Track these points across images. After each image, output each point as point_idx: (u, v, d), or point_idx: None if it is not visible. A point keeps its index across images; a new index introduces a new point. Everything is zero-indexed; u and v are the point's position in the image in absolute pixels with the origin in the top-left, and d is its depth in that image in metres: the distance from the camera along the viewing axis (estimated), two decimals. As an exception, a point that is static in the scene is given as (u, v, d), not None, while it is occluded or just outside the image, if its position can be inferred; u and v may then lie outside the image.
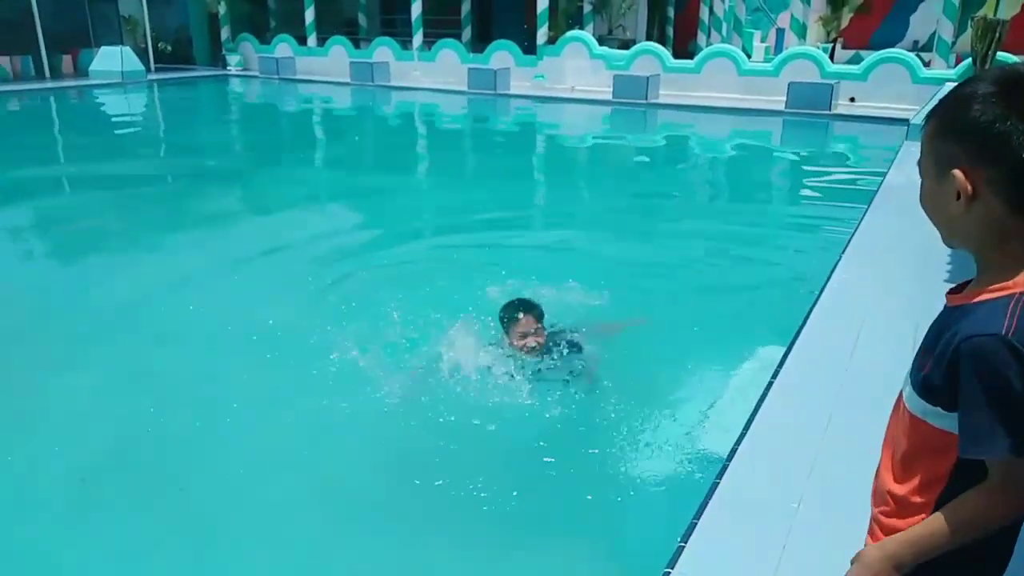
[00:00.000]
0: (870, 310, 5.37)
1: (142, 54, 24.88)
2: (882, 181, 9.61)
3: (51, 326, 5.78)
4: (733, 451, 3.51)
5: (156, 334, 5.58)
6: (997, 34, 14.42)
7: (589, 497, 3.68)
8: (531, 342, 4.42)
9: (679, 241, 8.81)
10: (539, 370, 4.48)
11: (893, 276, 6.19)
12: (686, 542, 2.91)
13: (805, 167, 13.60)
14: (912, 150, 12.02)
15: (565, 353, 4.54)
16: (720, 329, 5.71)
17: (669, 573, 2.74)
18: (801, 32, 20.70)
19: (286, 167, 13.32)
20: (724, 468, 3.37)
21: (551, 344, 4.55)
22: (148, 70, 24.51)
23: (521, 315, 4.45)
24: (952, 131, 1.32)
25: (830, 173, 12.90)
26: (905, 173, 10.08)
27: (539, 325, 4.50)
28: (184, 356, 5.25)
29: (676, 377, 4.88)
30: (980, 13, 16.15)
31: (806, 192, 11.84)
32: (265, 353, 5.03)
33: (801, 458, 3.46)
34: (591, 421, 4.31)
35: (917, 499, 1.42)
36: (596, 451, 4.05)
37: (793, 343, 4.73)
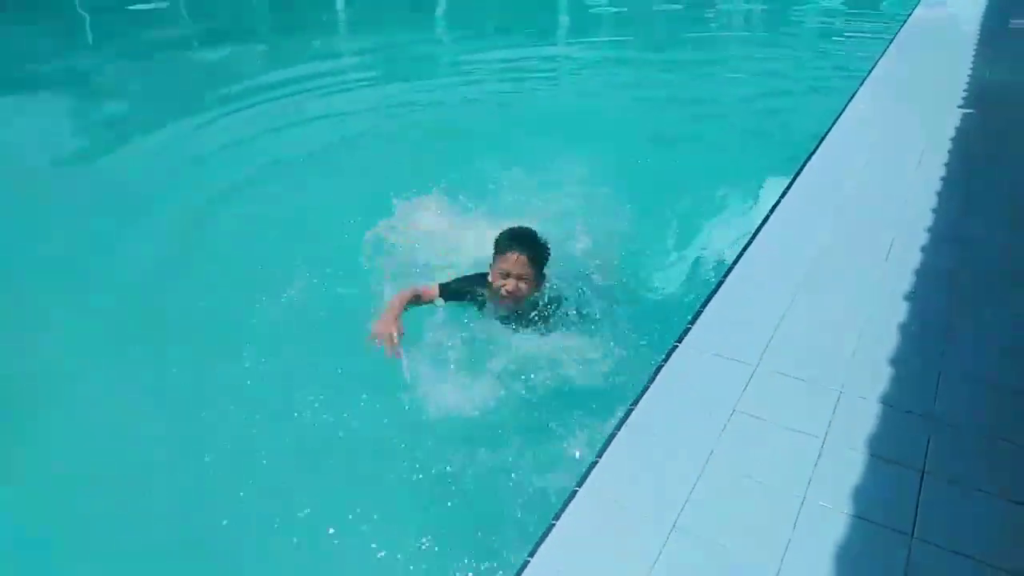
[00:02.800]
0: (878, 143, 5.44)
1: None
2: (909, 15, 9.33)
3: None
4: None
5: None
6: None
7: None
8: (509, 286, 3.25)
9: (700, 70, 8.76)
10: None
11: (904, 113, 6.19)
12: (693, 324, 3.22)
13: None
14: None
15: (547, 324, 3.42)
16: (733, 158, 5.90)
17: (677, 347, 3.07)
18: None
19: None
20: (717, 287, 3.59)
21: (538, 305, 3.42)
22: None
23: (515, 250, 3.25)
24: None
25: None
26: (932, 8, 9.81)
27: (530, 271, 3.28)
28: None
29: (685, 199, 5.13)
30: None
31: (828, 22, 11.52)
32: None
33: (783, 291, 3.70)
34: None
35: None
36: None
37: (798, 173, 4.85)
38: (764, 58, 9.72)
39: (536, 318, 3.40)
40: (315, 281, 4.03)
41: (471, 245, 4.19)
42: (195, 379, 3.45)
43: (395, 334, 3.08)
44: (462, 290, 3.47)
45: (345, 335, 3.44)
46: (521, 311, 3.39)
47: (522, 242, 3.29)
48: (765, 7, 13.62)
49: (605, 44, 10.96)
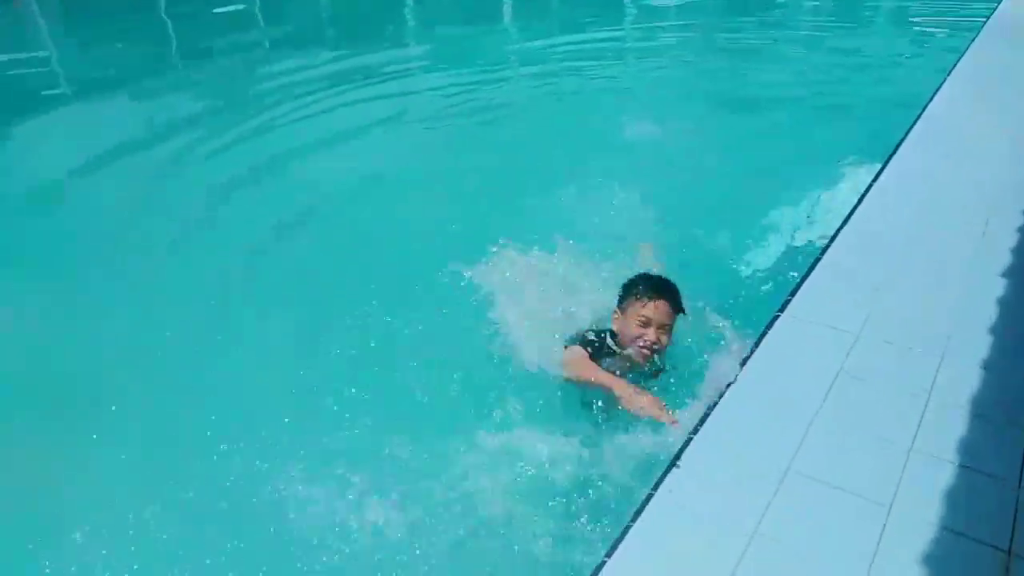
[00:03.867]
0: (967, 135, 5.45)
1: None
2: (996, 7, 9.18)
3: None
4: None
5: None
6: None
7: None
8: (651, 336, 3.00)
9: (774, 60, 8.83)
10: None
11: (994, 104, 6.16)
12: (792, 296, 3.39)
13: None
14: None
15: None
16: (816, 149, 6.00)
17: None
18: None
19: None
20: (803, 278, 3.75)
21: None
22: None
23: (661, 298, 3.03)
24: None
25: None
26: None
27: (673, 322, 3.08)
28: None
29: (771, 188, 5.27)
30: None
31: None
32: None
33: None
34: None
35: None
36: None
37: (885, 165, 4.92)
38: (850, 45, 9.68)
39: (658, 369, 3.14)
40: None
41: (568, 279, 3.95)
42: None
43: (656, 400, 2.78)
44: (598, 347, 3.11)
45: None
46: (650, 364, 3.10)
47: (666, 290, 3.06)
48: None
49: (672, 29, 11.07)
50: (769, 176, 5.61)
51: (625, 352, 3.09)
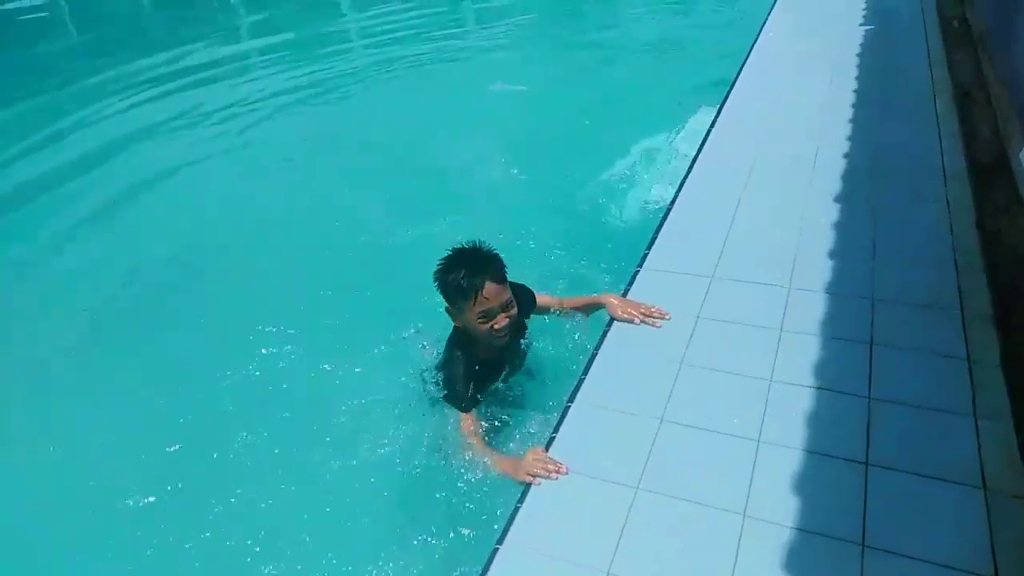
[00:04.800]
0: (793, 65, 5.75)
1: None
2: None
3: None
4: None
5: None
6: None
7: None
8: (501, 323, 2.64)
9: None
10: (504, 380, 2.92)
11: (813, 32, 6.52)
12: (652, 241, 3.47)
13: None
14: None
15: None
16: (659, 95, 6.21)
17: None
18: None
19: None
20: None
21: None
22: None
23: (485, 279, 2.58)
24: None
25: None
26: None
27: (509, 292, 2.68)
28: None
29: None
30: None
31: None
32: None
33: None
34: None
35: None
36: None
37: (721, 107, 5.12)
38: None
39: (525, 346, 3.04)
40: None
41: None
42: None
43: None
44: (471, 384, 2.73)
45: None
46: (517, 348, 2.97)
47: (486, 267, 2.60)
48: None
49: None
50: (618, 125, 5.76)
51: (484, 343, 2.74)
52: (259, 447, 3.04)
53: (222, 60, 9.57)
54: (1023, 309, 2.89)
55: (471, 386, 2.71)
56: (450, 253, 2.68)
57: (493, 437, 2.77)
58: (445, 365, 2.78)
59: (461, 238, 2.72)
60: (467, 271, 2.57)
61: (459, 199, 4.88)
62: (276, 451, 3.01)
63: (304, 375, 3.39)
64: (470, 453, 2.58)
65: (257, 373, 3.47)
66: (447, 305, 2.70)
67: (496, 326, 2.64)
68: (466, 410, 2.69)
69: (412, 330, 3.33)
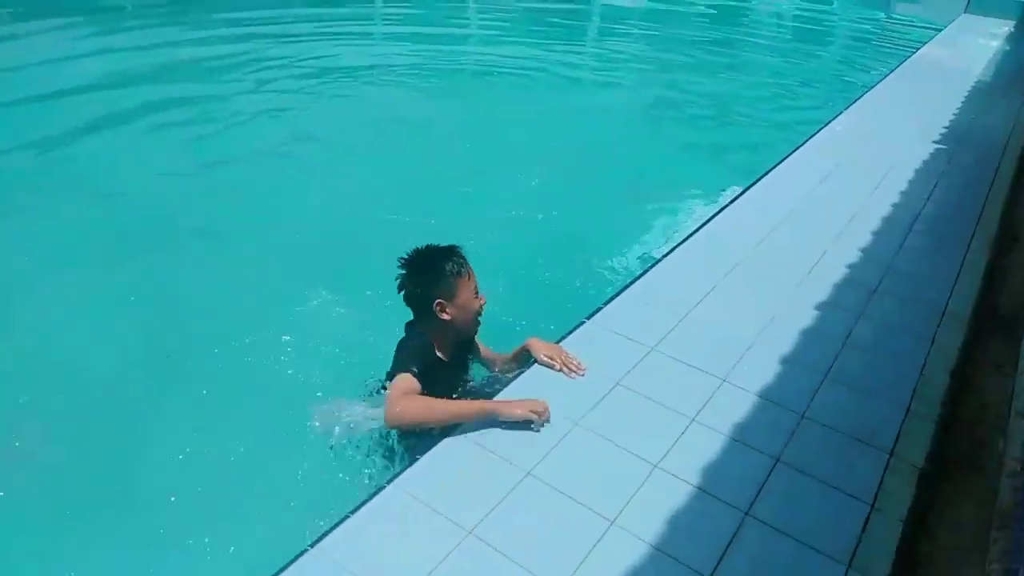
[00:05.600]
0: (842, 165, 5.55)
1: None
2: (911, 55, 9.39)
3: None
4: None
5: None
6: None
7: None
8: (483, 299, 2.84)
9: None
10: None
11: (878, 138, 6.28)
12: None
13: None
14: (967, 23, 11.69)
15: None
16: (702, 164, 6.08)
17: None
18: None
19: None
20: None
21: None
22: None
23: (465, 259, 2.78)
24: None
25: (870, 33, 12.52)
26: (940, 49, 9.87)
27: None
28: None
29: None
30: None
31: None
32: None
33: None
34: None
35: None
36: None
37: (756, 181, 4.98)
38: (775, 72, 9.85)
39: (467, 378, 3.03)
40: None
41: None
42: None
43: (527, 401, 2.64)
44: (429, 359, 2.74)
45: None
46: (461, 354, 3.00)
47: (459, 251, 2.79)
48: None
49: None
50: (650, 183, 5.68)
51: (454, 337, 2.83)
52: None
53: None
54: (958, 475, 2.70)
55: (419, 363, 2.61)
56: (419, 254, 2.73)
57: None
58: (402, 345, 2.69)
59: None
60: (452, 257, 2.71)
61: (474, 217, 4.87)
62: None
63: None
64: (423, 408, 2.49)
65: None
66: (436, 299, 2.68)
67: (482, 302, 2.79)
68: (408, 371, 2.55)
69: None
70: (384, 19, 11.48)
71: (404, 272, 2.71)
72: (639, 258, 4.60)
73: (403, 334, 2.78)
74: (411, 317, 2.82)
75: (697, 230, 4.18)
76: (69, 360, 3.51)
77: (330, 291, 3.94)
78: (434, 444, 2.53)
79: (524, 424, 2.60)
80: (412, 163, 5.88)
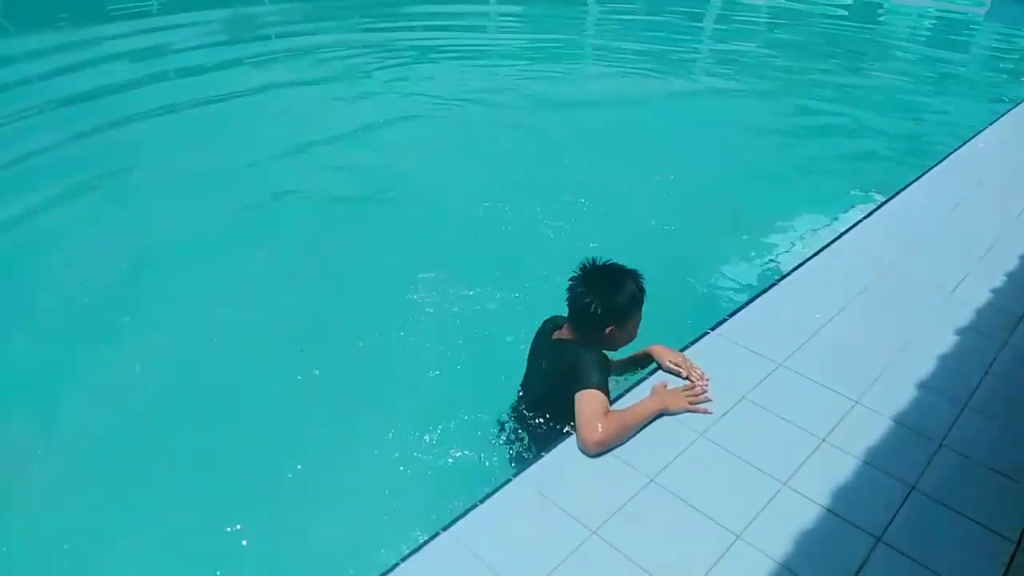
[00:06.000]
0: (980, 187, 5.24)
1: None
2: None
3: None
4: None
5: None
6: None
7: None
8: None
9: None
10: None
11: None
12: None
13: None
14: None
15: None
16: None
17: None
18: None
19: None
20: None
21: None
22: None
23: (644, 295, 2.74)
24: None
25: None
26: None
27: None
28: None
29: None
30: None
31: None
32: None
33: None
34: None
35: None
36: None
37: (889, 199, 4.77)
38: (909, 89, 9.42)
39: None
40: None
41: None
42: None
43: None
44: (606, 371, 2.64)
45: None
46: None
47: (643, 284, 2.72)
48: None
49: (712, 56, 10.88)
50: (773, 195, 5.57)
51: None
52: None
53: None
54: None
55: (607, 380, 2.61)
56: (605, 273, 2.64)
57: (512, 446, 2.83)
58: (586, 359, 2.57)
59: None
60: (637, 284, 2.66)
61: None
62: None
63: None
64: (619, 424, 2.54)
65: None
66: (612, 324, 2.61)
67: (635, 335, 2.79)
68: (603, 389, 2.54)
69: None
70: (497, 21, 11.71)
71: (583, 287, 2.61)
72: (759, 274, 4.51)
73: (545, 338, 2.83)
74: (549, 314, 2.89)
75: (822, 249, 4.04)
76: (214, 348, 3.76)
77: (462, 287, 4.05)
78: (558, 439, 2.58)
79: (651, 431, 2.62)
80: (532, 170, 5.96)
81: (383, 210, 5.30)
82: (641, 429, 2.63)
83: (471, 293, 4.11)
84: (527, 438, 2.79)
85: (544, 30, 11.35)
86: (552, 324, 2.87)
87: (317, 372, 3.54)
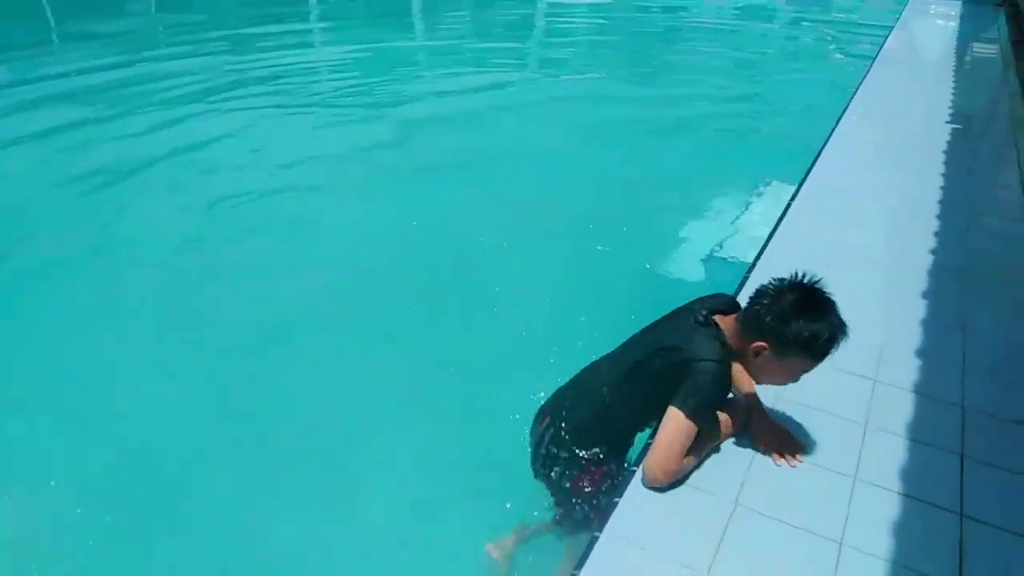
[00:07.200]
0: (875, 154, 5.63)
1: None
2: (884, 42, 9.64)
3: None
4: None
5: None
6: None
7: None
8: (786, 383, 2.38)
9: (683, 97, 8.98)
10: None
11: (895, 125, 6.41)
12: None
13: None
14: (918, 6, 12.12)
15: None
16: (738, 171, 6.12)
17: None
18: None
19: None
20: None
21: None
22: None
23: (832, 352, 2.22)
24: None
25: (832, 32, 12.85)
26: (907, 34, 10.20)
27: None
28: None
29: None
30: None
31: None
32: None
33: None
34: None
35: None
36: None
37: (803, 181, 5.00)
38: (751, 76, 10.01)
39: None
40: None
41: None
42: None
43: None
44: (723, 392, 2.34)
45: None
46: None
47: (845, 329, 2.21)
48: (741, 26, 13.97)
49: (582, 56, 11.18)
50: (686, 194, 5.67)
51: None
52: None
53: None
54: None
55: (713, 410, 2.35)
56: (810, 290, 2.20)
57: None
58: (710, 366, 2.19)
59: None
60: (838, 329, 2.17)
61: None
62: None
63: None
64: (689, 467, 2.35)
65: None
66: (774, 338, 2.17)
67: (784, 383, 2.34)
68: (699, 422, 2.25)
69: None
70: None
71: (775, 292, 2.21)
72: (709, 276, 4.54)
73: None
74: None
75: (769, 238, 4.11)
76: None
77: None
78: (627, 479, 2.42)
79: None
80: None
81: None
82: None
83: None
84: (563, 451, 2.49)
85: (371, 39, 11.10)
86: (709, 303, 2.38)
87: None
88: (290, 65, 9.55)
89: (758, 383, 2.40)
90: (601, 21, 13.58)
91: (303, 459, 3.26)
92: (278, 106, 7.89)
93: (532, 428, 2.67)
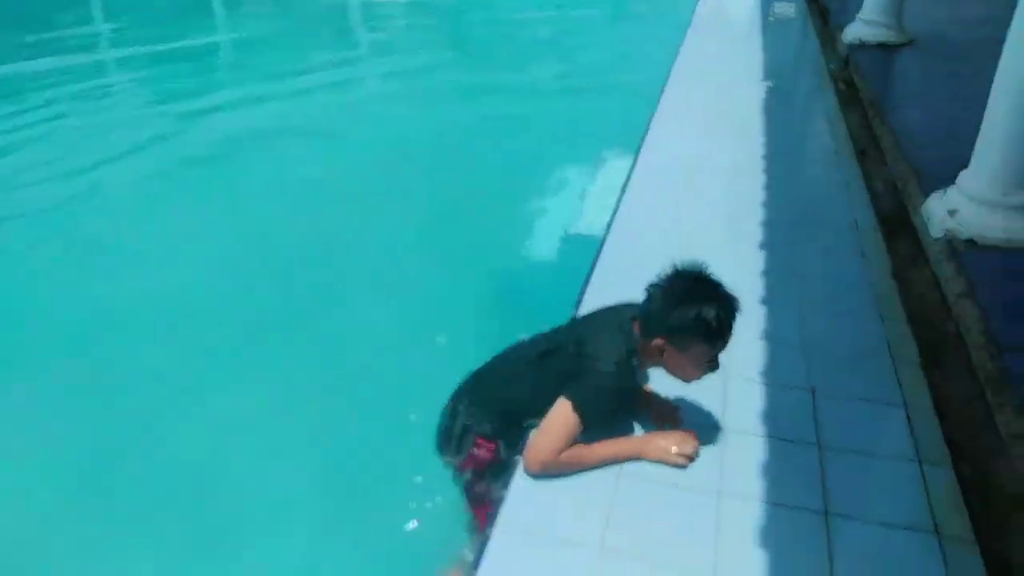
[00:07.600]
0: (700, 119, 5.94)
1: None
2: (695, 8, 10.18)
3: None
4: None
5: None
6: None
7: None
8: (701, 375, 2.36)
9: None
10: None
11: (714, 89, 6.79)
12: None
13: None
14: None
15: None
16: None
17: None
18: None
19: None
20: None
21: None
22: None
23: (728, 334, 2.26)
24: None
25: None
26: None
27: None
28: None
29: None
30: None
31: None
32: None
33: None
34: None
35: None
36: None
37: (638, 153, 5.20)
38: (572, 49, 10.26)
39: None
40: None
41: None
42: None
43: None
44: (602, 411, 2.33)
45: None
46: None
47: (737, 308, 2.24)
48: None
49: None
50: (531, 167, 5.76)
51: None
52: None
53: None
54: (947, 356, 3.00)
55: (601, 412, 2.30)
56: (692, 277, 2.25)
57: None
58: (609, 360, 2.25)
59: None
60: (725, 311, 2.18)
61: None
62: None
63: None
64: (576, 459, 2.30)
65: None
66: (667, 332, 2.21)
67: (701, 376, 2.34)
68: (584, 419, 2.24)
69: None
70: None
71: (660, 287, 2.27)
72: (560, 257, 4.60)
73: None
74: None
75: (615, 213, 4.18)
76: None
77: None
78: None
79: None
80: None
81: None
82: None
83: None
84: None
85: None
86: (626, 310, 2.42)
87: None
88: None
89: (685, 381, 2.39)
90: (421, 13, 13.44)
91: (164, 505, 2.97)
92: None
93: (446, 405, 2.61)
